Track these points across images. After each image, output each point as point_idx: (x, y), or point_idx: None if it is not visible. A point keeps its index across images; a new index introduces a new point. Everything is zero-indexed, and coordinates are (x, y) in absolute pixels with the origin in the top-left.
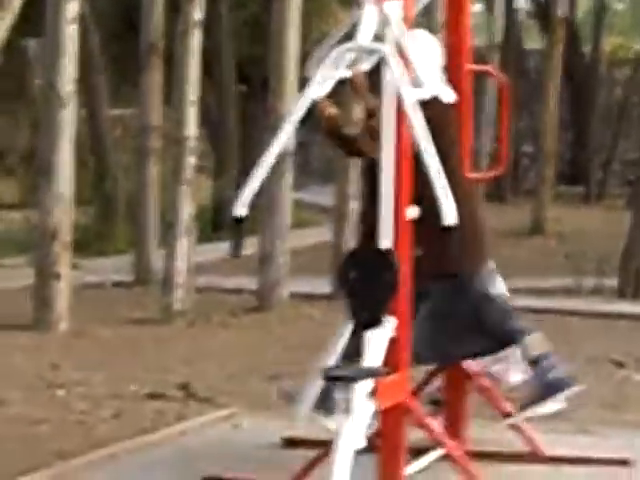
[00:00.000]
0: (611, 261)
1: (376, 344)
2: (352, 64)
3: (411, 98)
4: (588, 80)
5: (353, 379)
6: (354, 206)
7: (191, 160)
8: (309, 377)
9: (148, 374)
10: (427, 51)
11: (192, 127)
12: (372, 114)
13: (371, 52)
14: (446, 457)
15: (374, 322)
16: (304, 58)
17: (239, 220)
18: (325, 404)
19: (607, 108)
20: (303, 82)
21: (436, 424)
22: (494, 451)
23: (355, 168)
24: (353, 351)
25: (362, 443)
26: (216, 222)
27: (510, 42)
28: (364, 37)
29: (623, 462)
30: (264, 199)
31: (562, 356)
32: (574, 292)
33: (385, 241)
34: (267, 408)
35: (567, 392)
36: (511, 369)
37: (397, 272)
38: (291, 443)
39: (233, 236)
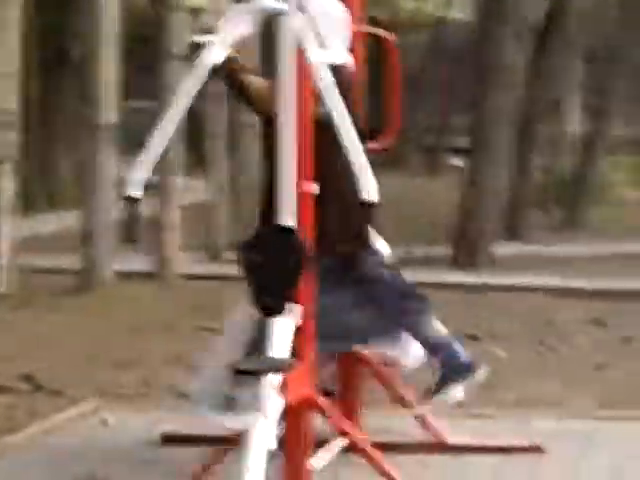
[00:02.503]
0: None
1: (282, 333)
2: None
3: (318, 60)
4: None
5: (263, 372)
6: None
7: None
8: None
9: None
10: (331, 13)
11: None
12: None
13: (271, 11)
14: (349, 449)
15: (279, 309)
16: None
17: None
18: (227, 404)
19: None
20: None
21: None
22: (396, 441)
23: None
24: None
25: (274, 443)
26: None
27: None
28: None
29: (536, 448)
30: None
31: None
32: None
33: (287, 219)
34: (127, 400)
35: (474, 376)
36: (408, 353)
37: (303, 254)
38: (170, 440)
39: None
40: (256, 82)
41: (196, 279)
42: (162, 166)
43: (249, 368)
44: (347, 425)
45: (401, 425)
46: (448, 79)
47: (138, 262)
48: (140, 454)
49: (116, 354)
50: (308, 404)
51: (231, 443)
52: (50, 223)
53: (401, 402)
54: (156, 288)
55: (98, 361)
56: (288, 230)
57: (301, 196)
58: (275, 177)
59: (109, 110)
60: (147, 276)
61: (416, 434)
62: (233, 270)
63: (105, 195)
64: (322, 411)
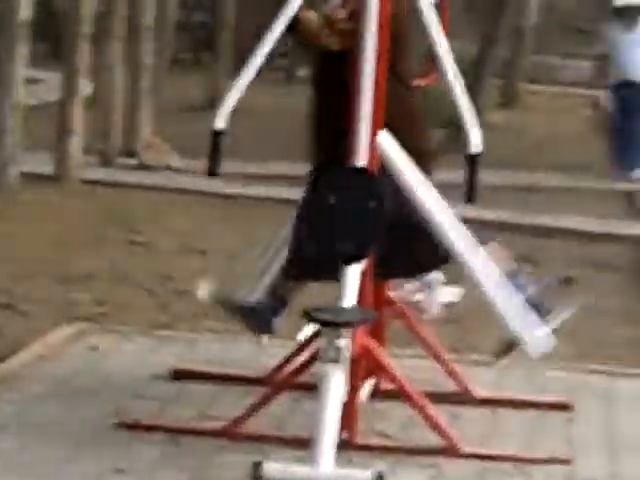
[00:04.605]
0: None
1: (354, 280)
2: None
3: None
4: None
5: (348, 324)
6: None
7: None
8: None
9: None
10: None
11: None
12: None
13: None
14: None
15: (360, 256)
16: None
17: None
18: (259, 321)
19: None
20: None
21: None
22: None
23: None
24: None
25: (344, 394)
26: None
27: None
28: None
29: (563, 406)
30: None
31: None
32: None
33: (362, 162)
34: (98, 322)
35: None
36: (435, 299)
37: (383, 200)
38: (182, 376)
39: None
40: (308, 17)
41: (96, 184)
42: (67, 64)
43: (328, 320)
44: (398, 373)
45: (425, 372)
46: None
47: (39, 163)
48: (152, 388)
49: (51, 268)
50: (367, 352)
51: (274, 386)
52: None
53: (426, 347)
54: (60, 193)
55: (39, 276)
56: (367, 174)
57: (372, 140)
58: (326, 113)
59: (25, 7)
60: (49, 179)
61: (440, 382)
62: (131, 177)
63: (15, 93)
64: (378, 359)
